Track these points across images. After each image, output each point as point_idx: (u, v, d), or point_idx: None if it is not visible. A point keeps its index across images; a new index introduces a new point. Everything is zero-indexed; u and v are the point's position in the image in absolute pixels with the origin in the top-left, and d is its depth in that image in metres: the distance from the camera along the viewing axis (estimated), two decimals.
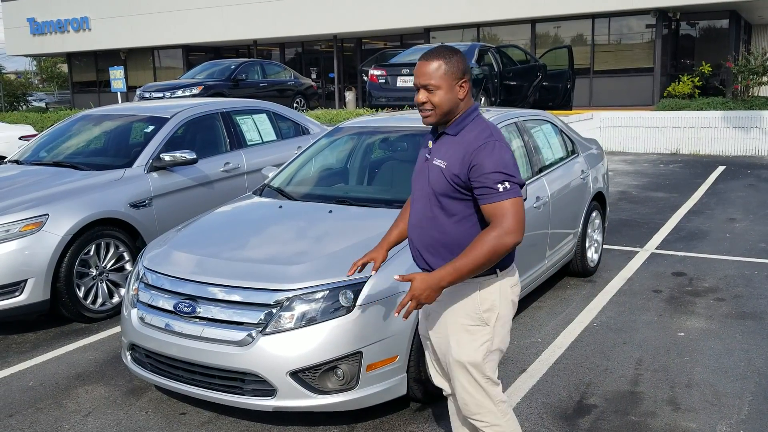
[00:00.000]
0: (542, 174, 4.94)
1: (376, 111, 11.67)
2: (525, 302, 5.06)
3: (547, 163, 5.15)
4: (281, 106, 7.49)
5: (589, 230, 5.76)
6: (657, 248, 6.80)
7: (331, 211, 3.96)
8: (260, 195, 4.56)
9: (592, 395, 3.72)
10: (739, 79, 16.88)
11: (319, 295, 3.18)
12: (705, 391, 3.72)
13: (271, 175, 4.88)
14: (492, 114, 4.87)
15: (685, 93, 18.33)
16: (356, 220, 3.85)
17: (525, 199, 2.50)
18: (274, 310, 3.16)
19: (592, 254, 5.86)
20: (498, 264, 2.41)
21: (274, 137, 6.96)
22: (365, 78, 13.72)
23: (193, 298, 3.32)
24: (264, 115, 7.00)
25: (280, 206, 4.19)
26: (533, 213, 4.59)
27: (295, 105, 15.85)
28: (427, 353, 2.76)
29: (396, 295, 3.26)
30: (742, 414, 3.45)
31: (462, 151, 2.37)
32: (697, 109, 15.37)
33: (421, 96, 2.42)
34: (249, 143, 6.58)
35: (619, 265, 6.21)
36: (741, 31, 23.28)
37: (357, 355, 3.15)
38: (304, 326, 3.12)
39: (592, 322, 4.81)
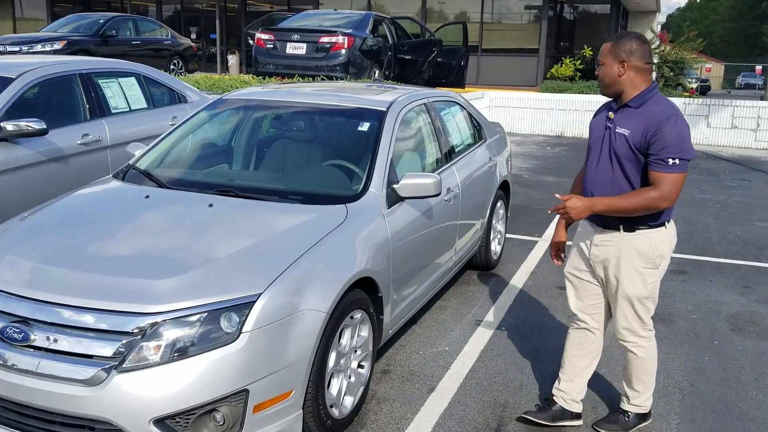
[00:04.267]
0: (453, 162, 4.46)
1: (264, 79, 10.82)
2: (429, 302, 4.59)
3: (457, 149, 4.68)
4: (154, 69, 6.56)
5: (494, 221, 5.38)
6: None
7: (211, 205, 3.25)
8: (122, 179, 3.76)
9: (510, 420, 3.30)
10: None
11: (195, 318, 2.51)
12: None
13: (137, 153, 4.07)
14: (400, 92, 4.31)
15: (566, 75, 18.66)
16: (244, 217, 3.17)
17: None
18: (134, 339, 2.46)
19: (495, 246, 5.50)
20: (665, 217, 2.91)
21: (145, 105, 6.05)
22: (251, 42, 12.78)
23: (26, 320, 2.55)
24: (133, 79, 6.05)
25: (147, 196, 3.42)
26: (443, 206, 4.11)
27: (172, 67, 14.58)
28: (570, 291, 3.20)
29: (295, 315, 2.66)
30: (672, 427, 3.16)
31: (645, 122, 2.77)
32: (578, 92, 15.62)
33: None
34: (114, 111, 5.65)
35: (520, 257, 5.91)
36: (619, 17, 24.08)
37: (242, 394, 2.52)
38: (174, 360, 2.45)
39: (500, 325, 4.43)
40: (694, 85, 29.13)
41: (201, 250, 2.84)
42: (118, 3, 24.05)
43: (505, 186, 5.63)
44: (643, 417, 3.21)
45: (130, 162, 3.96)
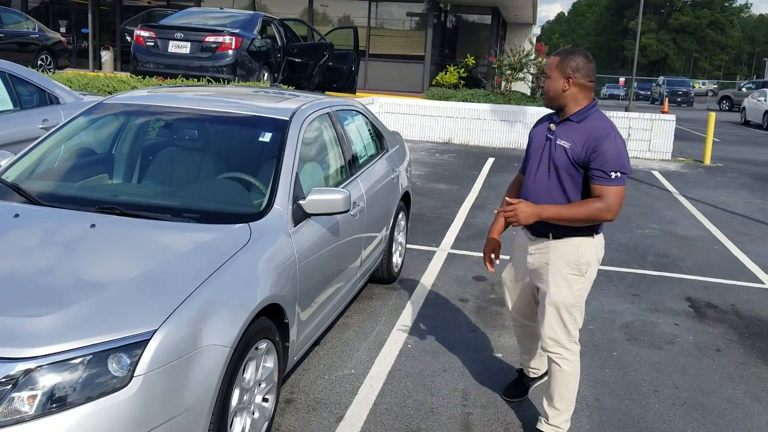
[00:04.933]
0: (357, 174, 4.28)
1: (144, 78, 10.18)
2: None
3: (361, 161, 4.50)
4: (21, 67, 5.93)
5: (396, 233, 5.25)
6: (452, 248, 6.55)
7: (94, 225, 2.88)
8: None
9: None
10: (499, 74, 17.89)
11: (78, 361, 2.17)
12: None
13: (4, 163, 3.59)
14: (302, 100, 4.07)
15: (451, 83, 19.03)
16: (132, 239, 2.82)
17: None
18: (3, 390, 2.09)
19: (396, 259, 5.37)
20: (594, 228, 2.99)
21: (11, 106, 5.47)
22: (128, 38, 12.02)
23: None
24: None
25: (17, 214, 2.98)
26: (349, 220, 3.91)
27: (39, 62, 13.47)
28: (507, 294, 3.38)
29: (195, 353, 2.36)
30: None
31: (585, 137, 2.87)
32: (462, 100, 15.92)
33: None
34: None
35: (420, 268, 5.82)
36: (499, 28, 24.91)
37: None
38: (53, 411, 2.10)
39: (406, 342, 4.29)
40: None
41: (83, 279, 2.48)
42: None
43: (406, 197, 5.52)
44: None
45: None
